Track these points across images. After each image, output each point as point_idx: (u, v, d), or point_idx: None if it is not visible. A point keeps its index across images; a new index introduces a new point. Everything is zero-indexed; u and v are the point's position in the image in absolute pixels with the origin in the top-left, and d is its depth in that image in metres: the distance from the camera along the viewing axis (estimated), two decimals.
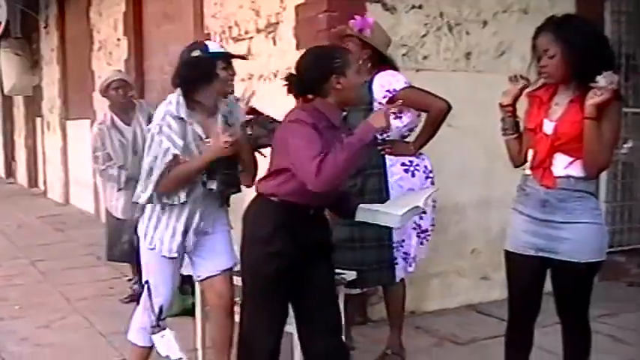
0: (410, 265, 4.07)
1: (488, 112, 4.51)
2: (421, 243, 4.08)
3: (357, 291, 4.14)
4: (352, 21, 3.98)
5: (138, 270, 4.12)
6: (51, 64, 12.52)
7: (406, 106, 3.82)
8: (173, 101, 3.23)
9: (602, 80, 2.71)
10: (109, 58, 9.36)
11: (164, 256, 3.31)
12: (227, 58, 3.31)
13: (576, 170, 2.87)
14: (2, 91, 14.73)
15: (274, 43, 5.42)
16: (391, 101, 3.73)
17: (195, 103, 3.25)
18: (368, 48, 3.90)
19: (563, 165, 2.87)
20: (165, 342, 3.27)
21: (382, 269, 3.96)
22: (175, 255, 3.31)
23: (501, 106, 3.04)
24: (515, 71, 3.06)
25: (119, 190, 5.20)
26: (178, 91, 3.25)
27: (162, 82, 7.44)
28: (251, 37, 5.74)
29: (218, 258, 3.44)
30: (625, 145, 6.47)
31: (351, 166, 2.78)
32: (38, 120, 13.88)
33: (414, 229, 4.01)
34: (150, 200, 3.22)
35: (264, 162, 3.14)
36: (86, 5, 10.32)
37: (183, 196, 3.22)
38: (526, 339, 3.14)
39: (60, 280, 6.28)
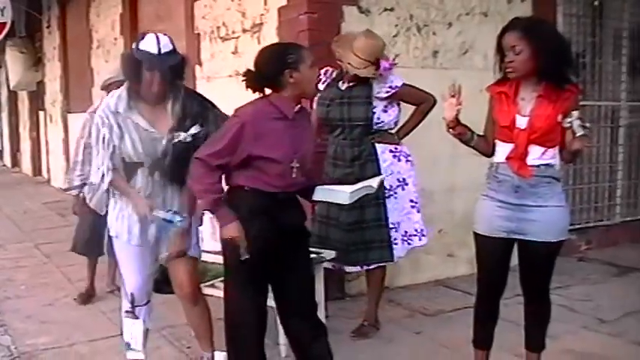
0: (420, 239, 4.11)
1: None
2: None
3: (357, 269, 4.17)
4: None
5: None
6: (53, 61, 12.41)
7: (405, 101, 4.03)
8: (116, 94, 3.07)
9: (578, 129, 2.69)
10: (107, 56, 9.26)
11: (133, 245, 3.16)
12: (151, 60, 2.97)
13: (547, 159, 2.88)
14: (8, 87, 14.56)
15: (259, 42, 5.37)
16: (394, 95, 3.94)
17: (138, 95, 3.06)
18: None
19: (536, 155, 2.87)
20: (133, 331, 3.20)
21: (383, 248, 4.00)
22: (137, 243, 3.15)
23: (449, 128, 2.97)
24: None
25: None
26: (126, 83, 3.08)
27: None
28: (238, 37, 5.69)
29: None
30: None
31: (193, 190, 2.86)
32: (41, 113, 13.75)
33: (413, 207, 4.08)
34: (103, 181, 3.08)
35: None
36: (86, 7, 10.23)
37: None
38: (494, 312, 3.15)
39: (63, 261, 6.19)
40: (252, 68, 2.88)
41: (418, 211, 4.10)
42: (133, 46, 3.02)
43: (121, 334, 3.61)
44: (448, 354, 3.79)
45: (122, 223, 3.16)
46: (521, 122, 2.86)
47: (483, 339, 3.19)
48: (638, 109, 7.00)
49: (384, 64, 3.88)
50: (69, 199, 10.38)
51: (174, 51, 3.04)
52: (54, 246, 6.93)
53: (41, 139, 13.95)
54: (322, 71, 4.07)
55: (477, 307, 3.19)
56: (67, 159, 11.48)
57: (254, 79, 2.86)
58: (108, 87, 4.88)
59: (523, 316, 3.17)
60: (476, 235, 3.08)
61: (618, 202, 6.81)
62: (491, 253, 3.03)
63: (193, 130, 3.06)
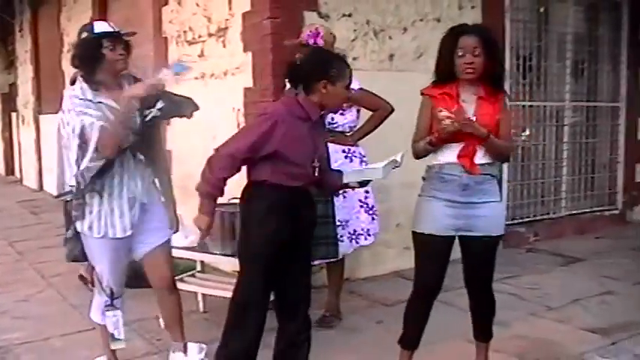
0: (365, 239, 4.10)
1: (409, 105, 4.55)
2: (372, 219, 4.10)
3: None
4: (304, 35, 3.94)
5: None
6: (25, 64, 12.18)
7: (360, 105, 3.97)
8: (77, 87, 2.95)
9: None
10: None
11: (116, 239, 3.03)
12: (113, 37, 2.97)
13: (489, 157, 2.89)
14: None
15: (224, 46, 5.34)
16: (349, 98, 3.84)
17: (97, 84, 2.95)
18: None
19: (482, 153, 2.87)
20: (115, 322, 3.16)
21: (329, 244, 3.93)
22: (130, 232, 3.05)
23: (433, 144, 2.89)
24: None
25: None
26: (79, 75, 2.99)
27: None
28: (204, 41, 5.64)
29: (154, 234, 3.17)
30: (523, 133, 6.63)
31: (204, 174, 2.80)
32: (14, 115, 13.51)
33: (362, 206, 4.05)
34: (86, 185, 2.91)
35: None
36: (57, 11, 10.10)
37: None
38: (428, 312, 3.07)
39: (36, 258, 6.11)
40: (298, 62, 2.89)
41: (366, 211, 4.07)
42: (84, 35, 2.98)
43: (93, 329, 3.56)
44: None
45: (104, 220, 3.01)
46: None
47: (411, 339, 3.13)
48: (581, 109, 7.14)
49: None
50: (41, 198, 10.28)
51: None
52: (27, 243, 6.82)
53: (14, 140, 13.70)
54: None
55: (412, 306, 3.11)
56: (39, 159, 11.29)
57: (293, 73, 2.88)
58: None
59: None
60: (419, 235, 2.98)
61: (564, 197, 6.93)
62: (438, 252, 2.95)
63: (159, 105, 3.03)
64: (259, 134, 2.73)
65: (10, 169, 14.12)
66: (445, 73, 2.88)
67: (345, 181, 3.02)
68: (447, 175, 2.90)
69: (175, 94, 3.23)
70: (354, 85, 3.91)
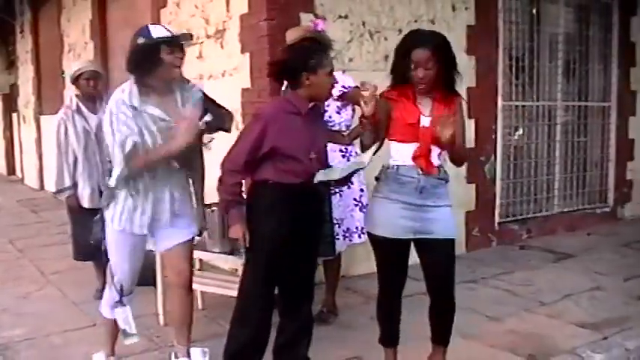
0: (359, 237, 4.09)
1: None
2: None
3: None
4: (310, 24, 4.00)
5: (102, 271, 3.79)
6: (26, 64, 12.15)
7: (355, 103, 3.89)
8: (126, 90, 2.90)
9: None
10: (78, 59, 9.08)
11: (134, 235, 3.04)
12: (172, 42, 2.90)
13: (441, 160, 2.90)
14: None
15: (222, 47, 5.34)
16: (345, 95, 3.87)
17: (148, 88, 2.92)
18: None
19: (436, 155, 2.87)
20: (124, 317, 3.14)
21: (326, 243, 3.89)
22: (146, 232, 3.06)
23: (366, 118, 2.81)
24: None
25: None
26: (132, 78, 2.92)
27: (123, 79, 7.26)
28: (202, 42, 5.64)
29: (177, 232, 3.13)
30: (517, 133, 6.64)
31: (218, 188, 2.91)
32: (15, 115, 13.45)
33: (356, 205, 4.06)
34: (119, 184, 2.95)
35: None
36: (57, 12, 10.07)
37: (146, 182, 2.99)
38: (399, 307, 3.08)
39: (36, 255, 6.09)
40: (281, 59, 2.92)
41: (360, 210, 4.07)
42: (141, 40, 2.87)
43: (93, 325, 3.55)
44: (401, 337, 3.80)
45: (126, 214, 3.02)
46: (426, 121, 2.83)
47: (389, 337, 3.13)
48: (573, 109, 7.15)
49: None
50: (42, 197, 10.26)
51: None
52: (27, 241, 6.81)
53: (15, 139, 13.65)
54: None
55: (381, 305, 3.10)
56: (40, 158, 11.26)
57: (277, 72, 2.92)
58: (78, 78, 4.61)
59: (429, 313, 3.10)
60: (376, 237, 2.96)
61: (556, 194, 6.93)
62: (395, 254, 2.94)
63: (207, 118, 2.97)
64: (253, 138, 2.80)
65: (11, 169, 14.09)
66: (400, 78, 2.88)
67: (315, 180, 2.91)
68: (404, 177, 2.86)
69: (218, 105, 3.18)
70: (350, 83, 3.92)
